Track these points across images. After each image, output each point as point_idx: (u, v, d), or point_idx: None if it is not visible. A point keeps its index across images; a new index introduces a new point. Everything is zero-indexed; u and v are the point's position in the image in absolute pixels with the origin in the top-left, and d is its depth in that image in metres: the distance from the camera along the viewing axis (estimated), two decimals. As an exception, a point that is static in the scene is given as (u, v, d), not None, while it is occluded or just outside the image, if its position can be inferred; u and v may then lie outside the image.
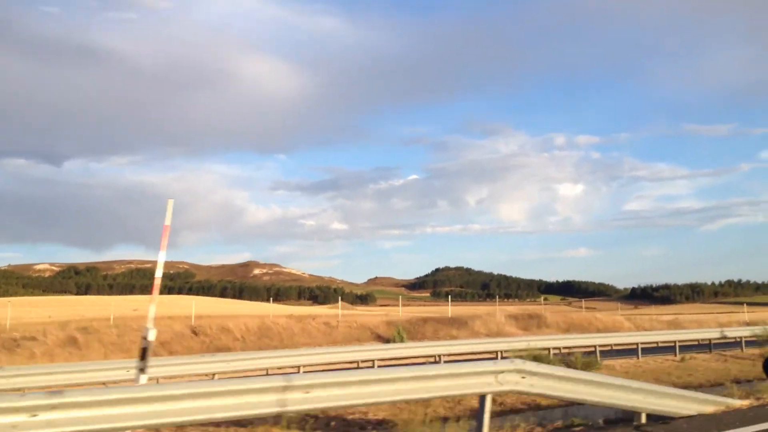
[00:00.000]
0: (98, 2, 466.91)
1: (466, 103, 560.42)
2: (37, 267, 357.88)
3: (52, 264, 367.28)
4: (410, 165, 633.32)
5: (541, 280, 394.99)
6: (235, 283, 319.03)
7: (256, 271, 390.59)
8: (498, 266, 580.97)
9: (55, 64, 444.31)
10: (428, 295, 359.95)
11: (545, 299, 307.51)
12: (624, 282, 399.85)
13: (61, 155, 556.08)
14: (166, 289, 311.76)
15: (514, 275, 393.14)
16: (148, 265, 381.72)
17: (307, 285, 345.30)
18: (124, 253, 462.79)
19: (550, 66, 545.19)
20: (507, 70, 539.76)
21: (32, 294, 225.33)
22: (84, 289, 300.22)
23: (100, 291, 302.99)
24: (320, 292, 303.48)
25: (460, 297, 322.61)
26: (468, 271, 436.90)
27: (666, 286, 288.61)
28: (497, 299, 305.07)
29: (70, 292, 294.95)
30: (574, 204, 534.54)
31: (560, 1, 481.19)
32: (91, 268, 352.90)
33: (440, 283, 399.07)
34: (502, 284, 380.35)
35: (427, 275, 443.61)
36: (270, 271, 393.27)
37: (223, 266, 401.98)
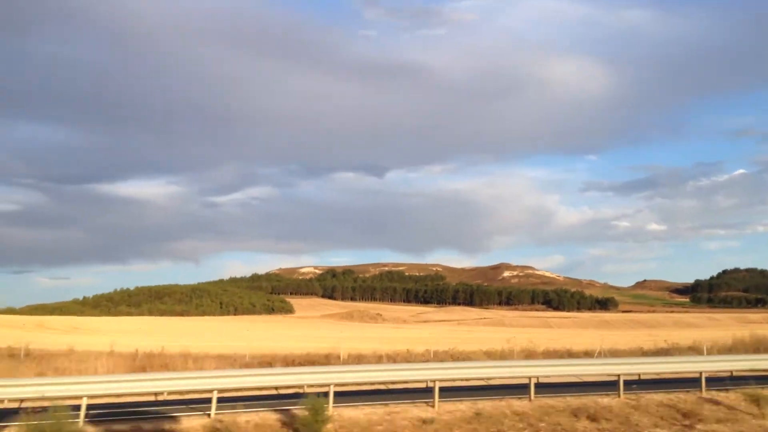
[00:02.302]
0: (410, 22, 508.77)
1: None
2: (303, 270, 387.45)
3: (316, 267, 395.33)
4: (736, 159, 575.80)
5: None
6: (471, 287, 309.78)
7: (506, 274, 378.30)
8: None
9: (374, 83, 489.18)
10: (687, 300, 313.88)
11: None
12: None
13: (383, 167, 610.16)
14: (411, 294, 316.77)
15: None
16: (401, 268, 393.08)
17: (553, 287, 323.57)
18: (440, 258, 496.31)
19: None
20: None
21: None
22: (330, 292, 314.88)
23: (344, 294, 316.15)
24: (555, 296, 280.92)
25: (725, 303, 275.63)
26: (763, 273, 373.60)
27: None
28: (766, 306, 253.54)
29: (317, 295, 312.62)
30: None
31: None
32: (347, 271, 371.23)
33: (719, 287, 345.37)
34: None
35: (711, 278, 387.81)
36: (521, 274, 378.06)
37: (475, 269, 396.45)
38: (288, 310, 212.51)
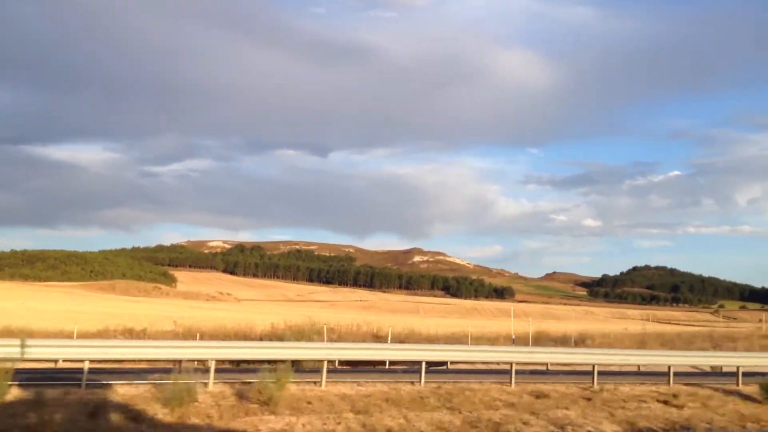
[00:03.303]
0: (360, 2, 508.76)
1: (735, 95, 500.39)
2: (211, 243, 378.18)
3: (225, 241, 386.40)
4: (671, 160, 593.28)
5: (748, 285, 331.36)
6: (373, 270, 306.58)
7: (417, 258, 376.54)
8: (742, 271, 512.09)
9: (322, 61, 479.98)
10: (585, 294, 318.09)
11: (720, 306, 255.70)
12: None
13: (327, 147, 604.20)
14: (307, 272, 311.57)
15: (732, 279, 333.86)
16: (313, 248, 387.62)
17: (462, 274, 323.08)
18: (382, 242, 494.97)
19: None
20: None
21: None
22: (232, 267, 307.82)
23: (246, 270, 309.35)
24: (455, 283, 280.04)
25: (620, 298, 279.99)
26: (672, 272, 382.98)
27: None
28: (659, 303, 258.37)
29: (217, 270, 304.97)
30: None
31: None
32: (256, 248, 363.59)
33: (624, 283, 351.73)
34: (696, 288, 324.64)
35: (621, 274, 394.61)
36: (431, 260, 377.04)
37: (388, 252, 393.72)
38: (166, 282, 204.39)
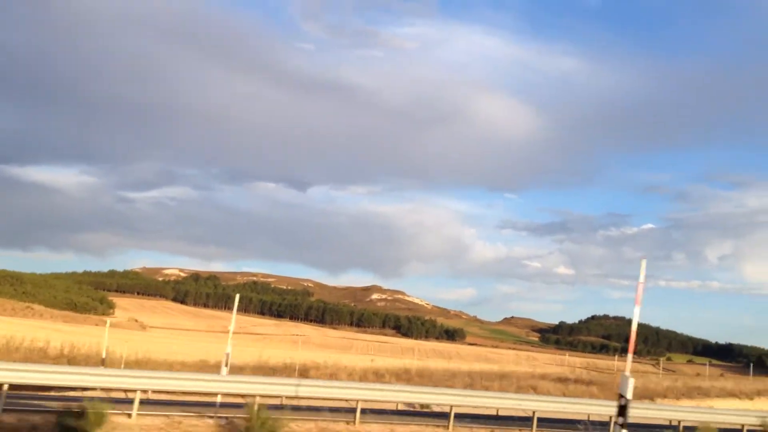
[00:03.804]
0: (349, 40, 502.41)
1: (711, 152, 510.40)
2: (166, 271, 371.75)
3: (181, 269, 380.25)
4: (645, 213, 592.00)
5: (702, 340, 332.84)
6: (325, 305, 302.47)
7: (375, 296, 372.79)
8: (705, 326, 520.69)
9: (306, 96, 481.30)
10: (537, 340, 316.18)
11: (668, 358, 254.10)
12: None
13: (307, 182, 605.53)
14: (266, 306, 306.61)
15: (687, 332, 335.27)
16: (270, 280, 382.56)
17: (419, 314, 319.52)
18: (355, 278, 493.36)
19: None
20: (762, 119, 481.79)
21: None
22: (182, 296, 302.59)
23: (196, 300, 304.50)
24: (407, 323, 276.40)
25: (570, 345, 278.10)
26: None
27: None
28: (608, 352, 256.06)
29: (167, 298, 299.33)
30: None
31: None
32: (212, 278, 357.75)
33: (581, 331, 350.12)
34: (651, 340, 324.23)
35: (579, 321, 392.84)
36: (389, 298, 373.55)
37: (346, 288, 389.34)
38: (103, 309, 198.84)
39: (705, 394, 36.12)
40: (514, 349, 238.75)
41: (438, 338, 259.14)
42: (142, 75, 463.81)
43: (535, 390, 32.59)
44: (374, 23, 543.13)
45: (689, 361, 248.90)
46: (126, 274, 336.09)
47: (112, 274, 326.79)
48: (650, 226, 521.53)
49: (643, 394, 32.20)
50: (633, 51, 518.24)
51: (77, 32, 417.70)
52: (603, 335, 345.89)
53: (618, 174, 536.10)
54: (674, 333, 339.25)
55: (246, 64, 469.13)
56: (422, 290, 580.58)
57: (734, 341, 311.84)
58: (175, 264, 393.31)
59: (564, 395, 30.40)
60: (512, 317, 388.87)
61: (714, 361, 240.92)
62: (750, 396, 36.92)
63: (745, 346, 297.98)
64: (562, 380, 42.46)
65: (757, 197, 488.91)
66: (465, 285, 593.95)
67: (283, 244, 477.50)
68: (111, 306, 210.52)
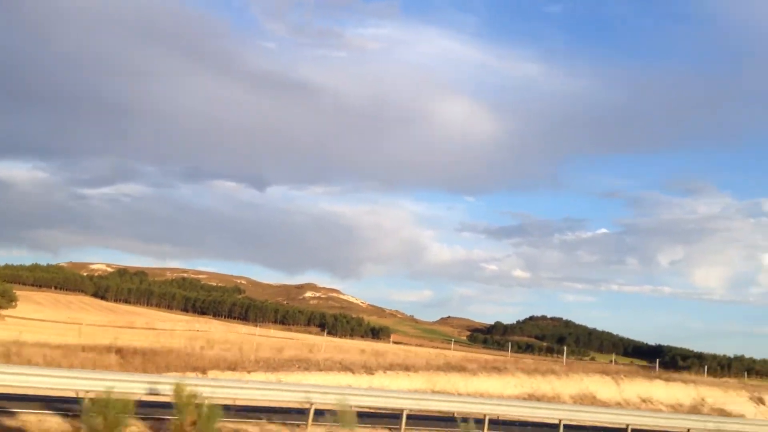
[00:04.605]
0: (311, 39, 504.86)
1: (670, 159, 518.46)
2: (93, 266, 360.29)
3: (108, 265, 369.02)
4: (601, 218, 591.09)
5: (635, 341, 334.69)
6: (248, 302, 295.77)
7: (308, 294, 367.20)
8: (653, 331, 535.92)
9: (267, 95, 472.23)
10: (465, 339, 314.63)
11: (591, 358, 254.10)
12: None
13: (266, 181, 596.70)
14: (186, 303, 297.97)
15: (617, 332, 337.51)
16: (202, 277, 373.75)
17: (351, 313, 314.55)
18: (312, 278, 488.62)
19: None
20: (719, 127, 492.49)
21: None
22: (102, 292, 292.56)
23: (117, 296, 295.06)
24: (332, 320, 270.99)
25: (498, 345, 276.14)
26: (567, 323, 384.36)
27: None
28: (533, 352, 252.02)
29: (86, 293, 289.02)
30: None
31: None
32: (139, 273, 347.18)
33: (515, 331, 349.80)
34: (582, 340, 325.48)
35: (517, 322, 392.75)
36: (323, 296, 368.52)
37: (281, 286, 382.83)
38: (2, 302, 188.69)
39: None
40: (436, 347, 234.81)
41: (363, 336, 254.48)
42: (99, 70, 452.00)
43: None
44: (338, 23, 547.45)
45: (611, 361, 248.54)
46: (48, 268, 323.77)
47: (34, 267, 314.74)
48: (605, 230, 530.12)
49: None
50: (594, 57, 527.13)
51: (32, 26, 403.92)
52: (536, 335, 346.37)
53: (579, 179, 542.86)
54: (609, 334, 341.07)
55: (207, 61, 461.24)
56: (378, 291, 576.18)
57: (677, 344, 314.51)
58: (105, 260, 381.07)
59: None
60: (449, 317, 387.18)
61: (637, 361, 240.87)
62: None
63: (675, 348, 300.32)
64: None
65: (706, 204, 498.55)
66: (422, 287, 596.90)
67: (241, 243, 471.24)
68: (13, 299, 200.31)
